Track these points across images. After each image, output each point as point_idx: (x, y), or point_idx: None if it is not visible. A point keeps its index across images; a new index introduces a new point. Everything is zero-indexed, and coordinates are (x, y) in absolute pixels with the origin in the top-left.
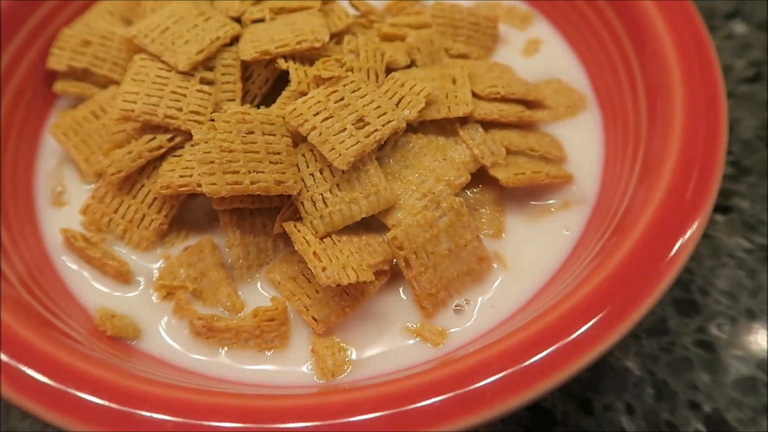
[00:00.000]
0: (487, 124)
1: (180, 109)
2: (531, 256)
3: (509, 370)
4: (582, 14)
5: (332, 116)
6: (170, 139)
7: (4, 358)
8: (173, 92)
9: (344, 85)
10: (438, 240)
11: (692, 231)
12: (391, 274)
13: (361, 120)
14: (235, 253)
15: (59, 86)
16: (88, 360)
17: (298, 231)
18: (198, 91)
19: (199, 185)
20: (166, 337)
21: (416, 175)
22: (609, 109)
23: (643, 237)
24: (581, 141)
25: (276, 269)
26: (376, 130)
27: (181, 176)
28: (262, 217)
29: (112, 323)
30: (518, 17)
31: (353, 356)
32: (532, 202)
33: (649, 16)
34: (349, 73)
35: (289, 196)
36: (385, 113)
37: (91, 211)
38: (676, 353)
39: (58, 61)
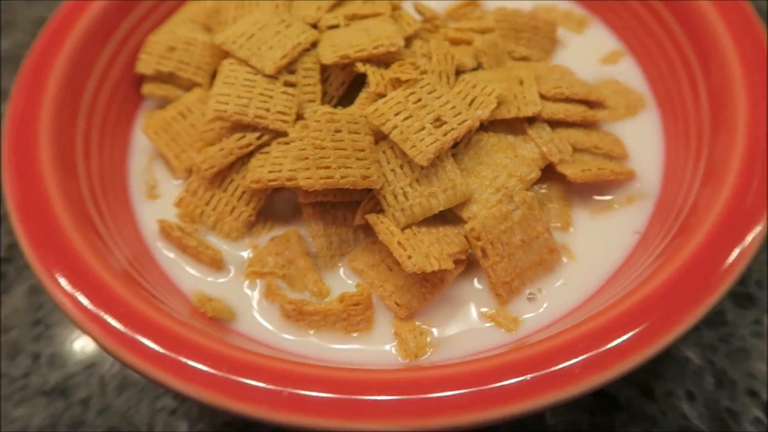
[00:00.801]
0: (553, 124)
1: (268, 110)
2: (598, 248)
3: (594, 351)
4: (640, 19)
5: (411, 116)
6: (258, 137)
7: (124, 329)
8: (261, 94)
9: (421, 87)
10: (512, 232)
11: (755, 234)
12: (467, 264)
13: (438, 119)
14: (319, 243)
15: (147, 89)
16: (198, 332)
17: (381, 222)
18: (283, 93)
19: (289, 179)
20: (260, 319)
21: (489, 171)
22: (669, 111)
23: (709, 237)
24: (642, 139)
25: (358, 258)
26: (452, 129)
27: (270, 171)
28: (343, 209)
29: (210, 305)
30: (575, 21)
31: (434, 338)
32: (596, 197)
33: (711, 22)
34: (424, 75)
35: (369, 190)
36: (460, 113)
37: (185, 204)
38: (734, 344)
39: (146, 65)
